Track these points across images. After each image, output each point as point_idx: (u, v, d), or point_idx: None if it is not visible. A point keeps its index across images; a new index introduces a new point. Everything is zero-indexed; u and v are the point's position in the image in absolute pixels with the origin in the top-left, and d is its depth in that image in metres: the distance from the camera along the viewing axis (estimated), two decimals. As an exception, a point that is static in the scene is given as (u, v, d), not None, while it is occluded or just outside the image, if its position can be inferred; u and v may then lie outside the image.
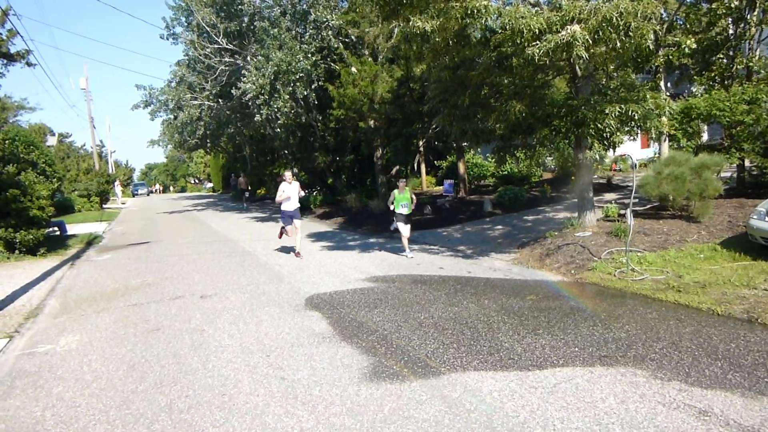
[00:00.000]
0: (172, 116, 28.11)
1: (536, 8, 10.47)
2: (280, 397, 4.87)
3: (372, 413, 4.43)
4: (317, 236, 16.02)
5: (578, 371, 5.04)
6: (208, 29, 22.70)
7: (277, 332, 6.76)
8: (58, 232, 18.87)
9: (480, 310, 7.25)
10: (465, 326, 6.55)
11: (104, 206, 37.00)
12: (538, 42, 8.96)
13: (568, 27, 8.79)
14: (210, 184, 65.85)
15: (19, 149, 19.83)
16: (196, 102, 25.31)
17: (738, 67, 14.35)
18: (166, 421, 4.54)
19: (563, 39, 8.62)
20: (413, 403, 4.58)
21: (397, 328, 6.60)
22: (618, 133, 10.68)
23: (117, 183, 45.07)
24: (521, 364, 5.30)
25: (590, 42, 8.71)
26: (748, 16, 13.91)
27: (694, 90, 17.69)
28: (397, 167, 24.02)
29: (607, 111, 9.89)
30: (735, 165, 13.81)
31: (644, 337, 5.78)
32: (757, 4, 13.61)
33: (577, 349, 5.59)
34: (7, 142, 18.86)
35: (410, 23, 9.81)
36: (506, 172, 22.70)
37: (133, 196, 61.73)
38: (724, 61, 14.63)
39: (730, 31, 14.51)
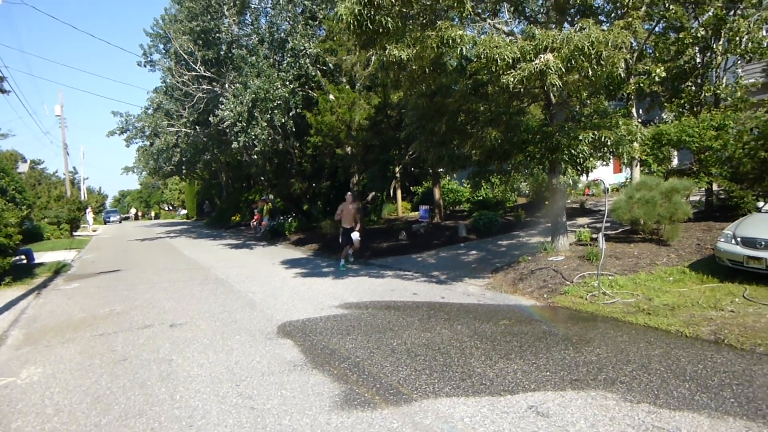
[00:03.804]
0: (148, 143, 27.96)
1: (510, 37, 10.67)
2: (249, 427, 4.77)
3: (341, 441, 4.35)
4: (291, 263, 15.91)
5: (550, 395, 5.02)
6: (186, 57, 22.73)
7: (248, 361, 6.65)
8: (25, 261, 18.43)
9: (453, 335, 7.22)
10: (438, 352, 6.51)
11: (75, 234, 36.35)
12: (512, 70, 9.11)
13: (542, 56, 8.96)
14: (184, 211, 65.20)
15: (-12, 175, 19.48)
16: (172, 129, 25.21)
17: (706, 94, 14.72)
18: (130, 453, 4.41)
19: (537, 67, 8.78)
20: (384, 430, 4.52)
21: (369, 355, 6.54)
22: (591, 159, 10.85)
23: (89, 210, 44.36)
24: (493, 389, 5.27)
25: (563, 70, 8.89)
26: (714, 45, 14.33)
27: (664, 116, 18.08)
28: (373, 193, 24.05)
29: (580, 137, 10.06)
30: (703, 189, 14.07)
31: (614, 360, 5.80)
32: (722, 34, 14.04)
33: (548, 373, 5.59)
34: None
35: (387, 52, 9.93)
36: (481, 198, 22.86)
37: (105, 224, 60.86)
38: (693, 88, 15.01)
39: (698, 60, 14.92)
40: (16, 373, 6.88)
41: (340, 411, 4.97)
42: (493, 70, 9.40)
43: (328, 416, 4.88)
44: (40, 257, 20.17)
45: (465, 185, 24.73)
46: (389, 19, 9.82)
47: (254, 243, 23.51)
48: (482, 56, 9.37)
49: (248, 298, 10.73)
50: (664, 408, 4.58)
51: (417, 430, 4.49)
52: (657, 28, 15.37)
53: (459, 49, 9.77)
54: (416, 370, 5.90)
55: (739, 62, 15.50)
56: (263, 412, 5.06)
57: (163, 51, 25.67)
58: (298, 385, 5.68)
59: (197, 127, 25.17)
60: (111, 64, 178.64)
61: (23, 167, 46.67)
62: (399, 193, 26.78)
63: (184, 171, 34.54)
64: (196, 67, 22.78)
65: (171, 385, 5.99)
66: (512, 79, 9.06)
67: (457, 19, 10.86)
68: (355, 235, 14.00)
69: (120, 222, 65.51)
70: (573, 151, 10.26)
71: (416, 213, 25.58)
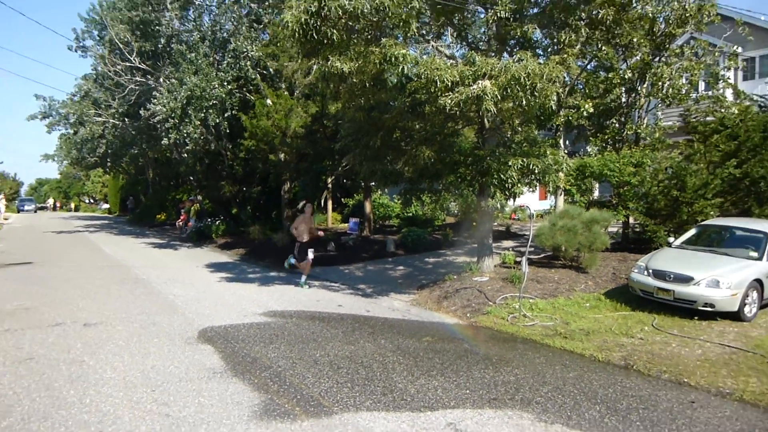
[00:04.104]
0: (71, 131, 26.74)
1: (451, 61, 10.94)
2: (162, 434, 4.63)
3: (259, 452, 4.29)
4: (217, 267, 15.54)
5: (468, 413, 5.14)
6: (121, 46, 21.91)
7: (165, 366, 6.45)
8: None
9: (376, 349, 7.26)
10: (360, 365, 6.53)
11: (-16, 221, 34.20)
12: (450, 93, 9.32)
13: (480, 82, 9.22)
14: (106, 205, 62.40)
15: None
16: (100, 119, 24.20)
17: (628, 132, 15.59)
18: (32, 457, 4.19)
19: (474, 92, 9.02)
20: (302, 442, 4.50)
21: (291, 365, 6.48)
22: (519, 185, 11.22)
23: (1, 196, 41.86)
24: (414, 405, 5.33)
25: (499, 97, 9.16)
26: (639, 88, 15.20)
27: (589, 150, 18.98)
28: (303, 202, 23.83)
29: (510, 163, 10.39)
30: (621, 221, 14.82)
31: (531, 381, 6.00)
32: (647, 78, 14.92)
33: (468, 391, 5.71)
34: None
35: (329, 63, 9.95)
36: (411, 214, 23.13)
37: (19, 212, 57.48)
38: (616, 125, 15.85)
39: (623, 100, 15.78)
40: None
41: (259, 421, 4.91)
42: (432, 91, 9.59)
43: (247, 426, 4.81)
44: (-59, 244, 18.81)
45: (396, 201, 24.95)
46: (335, 31, 9.86)
47: (179, 244, 22.80)
48: (423, 76, 9.56)
49: (169, 300, 10.41)
50: (576, 429, 4.78)
51: (336, 443, 4.50)
52: (589, 66, 16.19)
53: (401, 67, 9.90)
54: (338, 383, 5.90)
55: (659, 105, 16.51)
56: (178, 420, 4.92)
57: (98, 38, 24.65)
58: (217, 393, 5.56)
59: (126, 119, 24.26)
60: (38, 45, 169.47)
61: (-71, 146, 43.47)
62: (330, 203, 26.70)
63: (108, 164, 33.22)
64: (132, 58, 21.99)
65: (81, 387, 5.73)
66: (450, 101, 9.27)
67: (401, 38, 11.03)
68: (311, 253, 12.34)
69: (35, 212, 61.85)
70: (502, 175, 10.57)
71: (346, 225, 25.53)
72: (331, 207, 26.87)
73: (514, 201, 15.36)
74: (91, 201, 75.59)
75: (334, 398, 5.46)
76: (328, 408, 5.21)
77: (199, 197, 27.57)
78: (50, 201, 77.03)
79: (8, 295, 10.71)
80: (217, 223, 23.83)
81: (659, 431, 4.76)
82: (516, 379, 6.07)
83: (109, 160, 30.73)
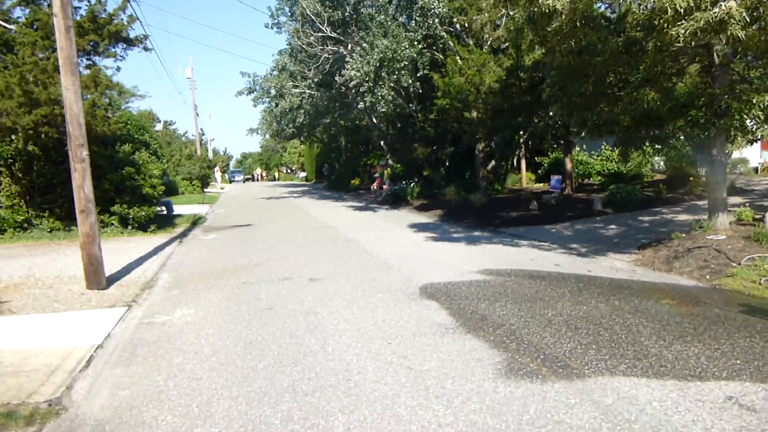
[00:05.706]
0: (273, 104, 28.70)
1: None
2: (409, 387, 4.51)
3: (516, 414, 3.98)
4: (419, 227, 15.65)
5: (749, 387, 4.36)
6: (313, 17, 22.79)
7: (395, 320, 6.42)
8: (165, 212, 19.57)
9: (612, 310, 6.60)
10: (600, 326, 5.95)
11: (205, 190, 38.41)
12: (683, 21, 8.12)
13: (721, 3, 7.90)
14: (303, 174, 66.96)
15: (132, 132, 20.75)
16: (297, 90, 25.61)
17: None
18: (291, 402, 4.30)
19: (717, 16, 7.74)
20: (561, 406, 4.09)
21: (524, 324, 6.10)
22: (765, 126, 9.63)
23: (217, 169, 46.80)
24: (676, 373, 4.67)
25: (747, 20, 7.79)
26: None
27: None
28: (493, 162, 23.10)
29: (754, 101, 8.90)
30: None
31: (824, 354, 4.99)
32: None
33: (739, 361, 4.89)
34: (120, 125, 19.76)
35: (541, 1, 9.24)
36: (613, 171, 21.44)
37: (230, 182, 64.01)
38: None
39: None
40: (171, 312, 7.14)
41: (507, 380, 4.60)
42: (657, 23, 8.44)
43: (495, 384, 4.53)
44: (177, 209, 21.34)
45: (595, 157, 23.34)
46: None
47: (376, 206, 23.54)
48: (647, 6, 8.44)
49: (382, 258, 10.57)
50: None
51: (599, 409, 4.03)
52: None
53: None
54: (581, 344, 5.39)
55: None
56: (422, 374, 4.79)
57: (290, 13, 25.94)
58: (455, 349, 5.36)
59: (320, 89, 25.36)
60: (239, 24, 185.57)
61: (158, 126, 49.70)
62: (523, 163, 25.76)
63: (304, 133, 35.32)
64: (323, 28, 22.77)
65: (320, 337, 5.89)
66: (683, 30, 8.05)
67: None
68: None
69: (244, 182, 68.86)
70: (745, 116, 9.11)
71: (540, 184, 24.56)
72: (524, 166, 25.94)
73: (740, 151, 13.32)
74: (289, 171, 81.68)
75: (581, 360, 4.98)
76: (578, 370, 4.75)
77: (390, 162, 28.16)
78: (257, 172, 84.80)
79: (239, 253, 11.68)
80: (412, 185, 24.13)
81: None
82: (800, 350, 5.09)
83: (305, 130, 32.62)
